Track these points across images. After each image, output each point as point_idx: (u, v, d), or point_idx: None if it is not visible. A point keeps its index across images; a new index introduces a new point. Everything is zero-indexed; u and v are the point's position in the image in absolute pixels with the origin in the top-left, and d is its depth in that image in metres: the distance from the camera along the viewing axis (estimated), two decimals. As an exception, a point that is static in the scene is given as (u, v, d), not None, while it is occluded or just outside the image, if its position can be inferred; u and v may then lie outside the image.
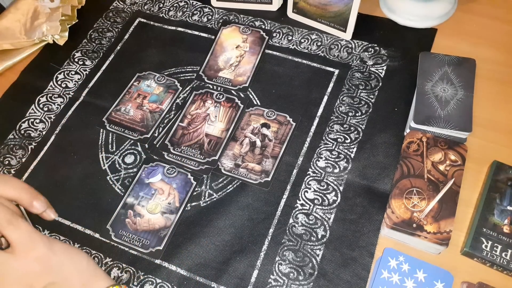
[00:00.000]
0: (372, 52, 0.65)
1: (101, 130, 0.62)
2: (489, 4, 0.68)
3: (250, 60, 0.67)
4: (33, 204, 0.42)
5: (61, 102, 0.66)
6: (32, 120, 0.64)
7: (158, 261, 0.51)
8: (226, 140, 0.59)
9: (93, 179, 0.58)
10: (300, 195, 0.54)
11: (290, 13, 0.70)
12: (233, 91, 0.64)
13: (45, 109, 0.65)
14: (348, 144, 0.57)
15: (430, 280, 0.45)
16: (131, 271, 0.51)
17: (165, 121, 0.62)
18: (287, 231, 0.52)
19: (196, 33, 0.71)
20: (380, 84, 0.62)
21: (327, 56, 0.66)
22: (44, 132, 0.63)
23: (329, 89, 0.62)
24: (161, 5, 0.76)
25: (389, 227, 0.48)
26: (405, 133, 0.57)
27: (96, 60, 0.70)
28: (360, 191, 0.54)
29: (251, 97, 0.63)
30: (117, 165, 0.59)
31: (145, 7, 0.76)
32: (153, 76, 0.67)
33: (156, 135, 0.61)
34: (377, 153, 0.56)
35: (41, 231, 0.54)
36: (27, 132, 0.63)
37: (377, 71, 0.63)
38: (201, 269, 0.50)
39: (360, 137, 0.58)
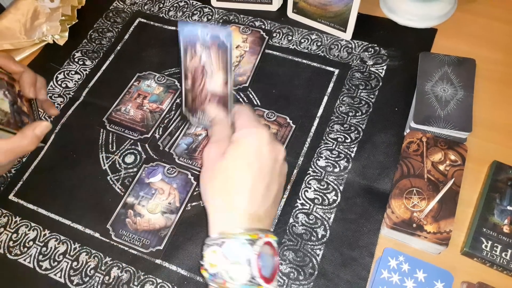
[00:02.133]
0: (372, 52, 0.65)
1: (101, 130, 0.62)
2: (489, 4, 0.68)
3: (250, 60, 0.67)
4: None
5: (61, 102, 0.66)
6: (32, 120, 0.64)
7: (158, 261, 0.51)
8: (230, 97, 0.48)
9: (93, 179, 0.58)
10: (300, 194, 0.54)
11: (290, 13, 0.70)
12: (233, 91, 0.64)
13: (45, 109, 0.65)
14: (349, 144, 0.57)
15: (430, 280, 0.45)
16: (131, 271, 0.51)
17: (165, 121, 0.62)
18: (287, 231, 0.52)
19: (196, 33, 0.71)
20: (380, 84, 0.62)
21: (327, 56, 0.66)
22: (44, 132, 0.63)
23: (329, 89, 0.62)
24: (161, 5, 0.76)
25: (389, 227, 0.48)
26: (405, 133, 0.57)
27: (96, 60, 0.70)
28: (360, 191, 0.54)
29: (251, 97, 0.63)
30: (117, 165, 0.59)
31: (145, 7, 0.76)
32: (153, 76, 0.67)
33: (156, 135, 0.61)
34: (377, 153, 0.56)
35: (41, 231, 0.54)
36: (27, 132, 0.63)
37: (377, 71, 0.63)
38: (201, 269, 0.50)
39: (360, 137, 0.58)
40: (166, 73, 0.67)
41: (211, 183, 0.42)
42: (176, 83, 0.66)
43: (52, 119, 0.64)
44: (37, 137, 0.52)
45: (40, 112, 0.61)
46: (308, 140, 0.58)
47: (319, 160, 0.56)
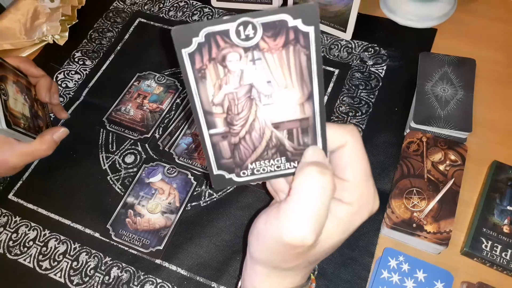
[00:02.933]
0: (372, 52, 0.65)
1: (101, 130, 0.62)
2: (489, 4, 0.68)
3: (250, 60, 0.66)
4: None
5: (61, 102, 0.66)
6: (32, 120, 0.64)
7: (158, 261, 0.51)
8: (320, 117, 0.28)
9: (93, 179, 0.58)
10: (300, 195, 0.54)
11: (290, 13, 0.70)
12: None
13: (45, 109, 0.65)
14: (348, 144, 0.57)
15: (430, 280, 0.45)
16: (131, 271, 0.51)
17: (165, 121, 0.62)
18: (287, 231, 0.52)
19: (196, 33, 0.71)
20: (380, 84, 0.62)
21: (327, 56, 0.66)
22: (44, 132, 0.63)
23: (329, 89, 0.62)
24: (161, 5, 0.76)
25: (389, 227, 0.48)
26: (405, 133, 0.57)
27: (96, 60, 0.70)
28: (360, 191, 0.54)
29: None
30: (117, 165, 0.59)
31: (145, 7, 0.76)
32: (153, 76, 0.67)
33: (156, 135, 0.61)
34: (377, 153, 0.56)
35: (41, 231, 0.54)
36: (27, 132, 0.63)
37: (377, 71, 0.63)
38: (201, 269, 0.50)
39: (360, 137, 0.58)
40: (166, 73, 0.67)
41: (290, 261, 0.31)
42: (176, 83, 0.66)
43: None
44: (55, 143, 0.56)
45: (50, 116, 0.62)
46: (308, 140, 0.58)
47: (319, 160, 0.56)
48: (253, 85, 0.27)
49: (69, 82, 0.68)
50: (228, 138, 0.28)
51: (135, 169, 0.58)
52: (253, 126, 0.28)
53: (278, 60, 0.26)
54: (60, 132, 0.56)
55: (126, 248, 0.52)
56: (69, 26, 0.73)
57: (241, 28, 0.26)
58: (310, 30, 0.25)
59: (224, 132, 0.28)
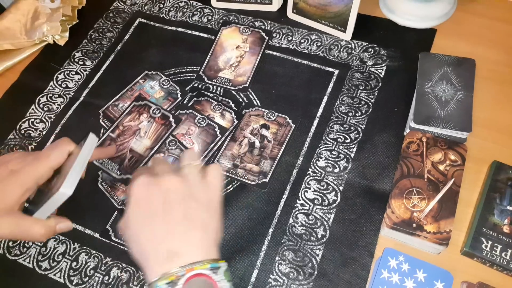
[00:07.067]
0: (372, 52, 0.65)
1: (101, 130, 0.62)
2: (489, 4, 0.68)
3: (250, 61, 0.67)
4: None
5: (61, 102, 0.66)
6: (32, 120, 0.64)
7: (158, 261, 0.51)
8: (147, 160, 0.57)
9: (93, 179, 0.58)
10: (300, 195, 0.54)
11: (290, 14, 0.70)
12: (233, 91, 0.64)
13: (45, 109, 0.65)
14: (348, 144, 0.57)
15: (430, 280, 0.45)
16: (131, 271, 0.51)
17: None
18: (287, 231, 0.52)
19: (196, 33, 0.71)
20: (380, 84, 0.62)
21: (327, 57, 0.66)
22: (44, 132, 0.63)
23: (329, 90, 0.62)
24: (162, 6, 0.76)
25: (389, 227, 0.48)
26: (405, 133, 0.57)
27: (96, 60, 0.70)
28: (360, 191, 0.54)
29: (251, 97, 0.63)
30: (117, 165, 0.59)
31: (146, 7, 0.76)
32: (159, 78, 0.66)
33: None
34: (377, 153, 0.56)
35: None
36: (27, 132, 0.63)
37: (377, 71, 0.63)
38: (201, 269, 0.50)
39: (360, 137, 0.58)
40: (166, 73, 0.67)
41: (130, 247, 0.40)
42: (178, 91, 0.65)
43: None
44: (54, 233, 0.47)
45: None
46: (308, 140, 0.58)
47: (318, 160, 0.56)
48: (141, 128, 0.60)
49: (69, 82, 0.68)
50: (110, 142, 0.60)
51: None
52: (122, 144, 0.59)
53: (157, 126, 0.60)
54: (64, 225, 0.48)
55: (126, 249, 0.52)
56: (69, 26, 0.73)
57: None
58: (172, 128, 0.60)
59: (114, 138, 0.60)
